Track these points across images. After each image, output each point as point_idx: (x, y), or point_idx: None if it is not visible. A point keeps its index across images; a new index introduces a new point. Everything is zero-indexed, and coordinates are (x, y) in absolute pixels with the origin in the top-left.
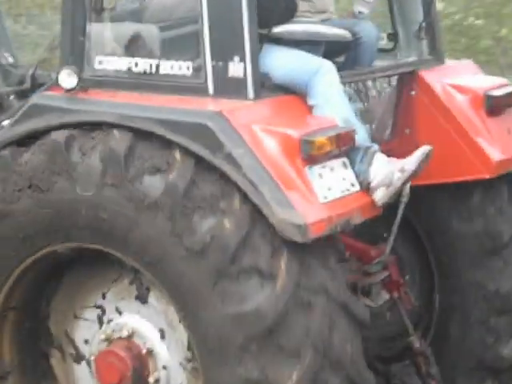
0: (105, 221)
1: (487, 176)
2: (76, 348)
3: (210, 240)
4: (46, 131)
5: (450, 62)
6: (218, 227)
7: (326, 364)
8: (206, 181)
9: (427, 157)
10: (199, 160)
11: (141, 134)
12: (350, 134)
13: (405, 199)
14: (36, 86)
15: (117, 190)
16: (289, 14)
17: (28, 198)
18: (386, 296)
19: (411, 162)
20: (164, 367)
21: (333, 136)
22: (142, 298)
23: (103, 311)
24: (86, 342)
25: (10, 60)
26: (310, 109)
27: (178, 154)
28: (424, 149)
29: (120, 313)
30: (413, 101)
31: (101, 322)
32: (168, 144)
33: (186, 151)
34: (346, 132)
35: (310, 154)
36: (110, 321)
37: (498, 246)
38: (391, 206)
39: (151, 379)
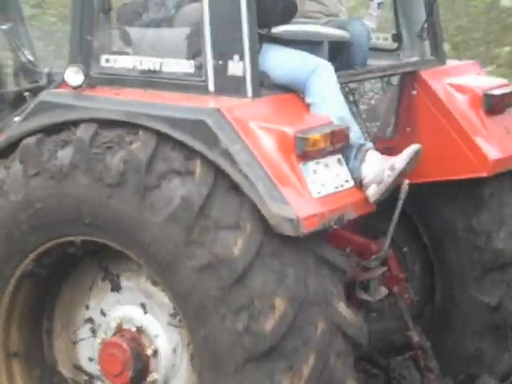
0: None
1: (484, 174)
2: (86, 373)
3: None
4: (53, 127)
5: (452, 63)
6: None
7: None
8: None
9: (416, 155)
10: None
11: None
12: (344, 132)
13: (403, 195)
14: (51, 83)
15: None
16: (288, 15)
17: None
18: (384, 291)
19: (401, 160)
20: (156, 335)
21: (327, 133)
22: (116, 287)
23: (93, 321)
24: (91, 359)
25: (31, 58)
26: (307, 107)
27: (177, 150)
28: (413, 147)
29: (104, 314)
30: (414, 100)
31: (95, 332)
32: (169, 140)
33: (185, 147)
34: (340, 129)
35: (304, 151)
36: (100, 325)
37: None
38: (393, 203)
39: (149, 351)
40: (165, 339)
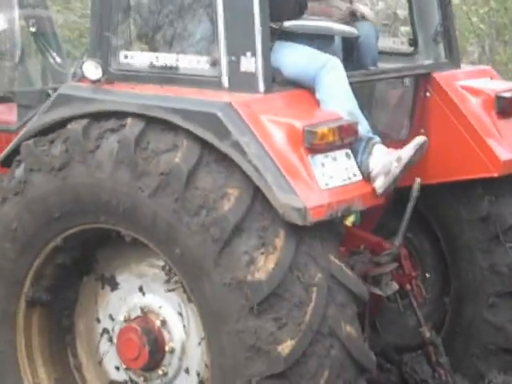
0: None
1: (495, 174)
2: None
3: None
4: (70, 120)
5: (466, 66)
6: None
7: None
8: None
9: (422, 147)
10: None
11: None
12: (353, 127)
13: (415, 194)
14: None
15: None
16: (299, 11)
17: (49, 184)
18: (395, 286)
19: (407, 151)
20: (160, 307)
21: (335, 127)
22: (115, 286)
23: (107, 330)
24: (117, 368)
25: (58, 60)
26: (318, 103)
27: (188, 141)
28: (418, 139)
29: (113, 316)
30: (427, 102)
31: (112, 339)
32: (182, 131)
33: (196, 138)
34: (349, 124)
35: (312, 144)
36: (113, 329)
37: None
38: (406, 202)
39: (158, 323)
40: (168, 307)
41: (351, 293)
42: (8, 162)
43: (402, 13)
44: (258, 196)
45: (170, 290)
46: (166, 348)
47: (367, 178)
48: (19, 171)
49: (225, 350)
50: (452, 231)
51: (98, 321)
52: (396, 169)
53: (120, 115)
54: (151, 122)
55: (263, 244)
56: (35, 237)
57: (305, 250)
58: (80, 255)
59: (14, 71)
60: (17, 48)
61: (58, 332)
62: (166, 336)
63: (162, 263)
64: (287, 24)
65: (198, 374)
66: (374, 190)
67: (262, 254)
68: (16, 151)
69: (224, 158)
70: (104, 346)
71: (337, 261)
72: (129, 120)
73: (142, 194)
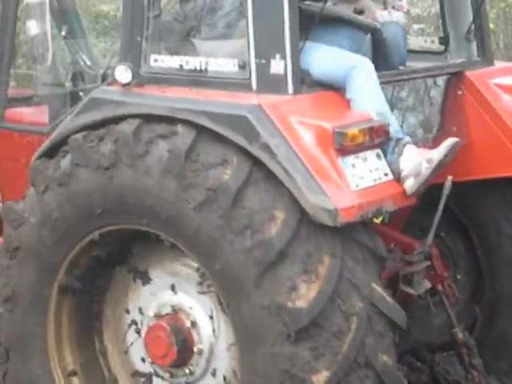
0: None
1: None
2: (143, 374)
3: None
4: (102, 123)
5: (499, 64)
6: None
7: None
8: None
9: (453, 148)
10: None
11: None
12: (384, 128)
13: (446, 192)
14: None
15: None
16: None
17: (94, 181)
18: (427, 284)
19: (438, 152)
20: (191, 308)
21: (365, 128)
22: (147, 281)
23: (135, 322)
24: (143, 359)
25: (88, 62)
26: (347, 103)
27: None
28: (450, 141)
29: (143, 310)
30: (459, 100)
31: (139, 332)
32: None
33: (246, 153)
34: (379, 125)
35: (342, 145)
36: (142, 322)
37: None
38: (437, 201)
39: (188, 323)
40: (199, 309)
41: (391, 321)
42: None
43: (415, 11)
44: (304, 220)
45: (202, 293)
46: (195, 349)
47: (397, 177)
48: (65, 163)
49: (257, 370)
50: (490, 243)
51: (127, 312)
52: (426, 170)
53: (170, 120)
54: (202, 131)
55: (306, 271)
56: (74, 229)
57: (348, 277)
58: (115, 249)
59: (46, 74)
60: (48, 52)
61: (86, 318)
62: (195, 337)
63: (196, 265)
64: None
65: (225, 378)
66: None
67: (305, 281)
68: (47, 153)
69: (272, 176)
70: (131, 336)
71: (379, 289)
72: (180, 128)
73: (187, 206)
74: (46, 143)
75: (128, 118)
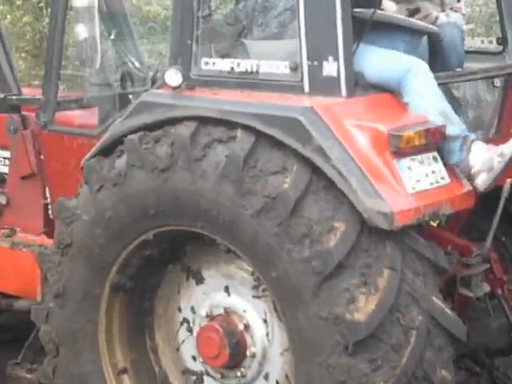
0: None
1: None
2: (194, 372)
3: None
4: (155, 125)
5: None
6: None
7: None
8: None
9: None
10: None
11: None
12: (440, 130)
13: (505, 194)
14: None
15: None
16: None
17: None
18: (486, 287)
19: (509, 147)
20: (244, 311)
21: (421, 131)
22: (200, 280)
23: (187, 320)
24: (194, 358)
25: (136, 65)
26: (402, 106)
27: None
28: None
29: (195, 309)
30: None
31: (191, 330)
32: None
33: (280, 144)
34: (435, 128)
35: (398, 148)
36: (194, 321)
37: None
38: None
39: (241, 327)
40: (253, 312)
41: (450, 335)
42: None
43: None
44: (364, 231)
45: (256, 297)
46: (247, 352)
47: (467, 176)
48: (120, 163)
49: (313, 379)
50: None
51: (179, 310)
52: (499, 164)
53: (227, 124)
54: (260, 136)
55: (365, 283)
56: (127, 229)
57: (407, 290)
58: (169, 248)
59: (95, 77)
60: (97, 55)
61: (137, 315)
62: (248, 340)
63: (251, 269)
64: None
65: (277, 383)
66: (464, 192)
67: (364, 293)
68: (98, 155)
69: (332, 186)
70: (182, 334)
71: (439, 302)
72: (238, 132)
73: (244, 212)
74: (98, 144)
75: (183, 120)
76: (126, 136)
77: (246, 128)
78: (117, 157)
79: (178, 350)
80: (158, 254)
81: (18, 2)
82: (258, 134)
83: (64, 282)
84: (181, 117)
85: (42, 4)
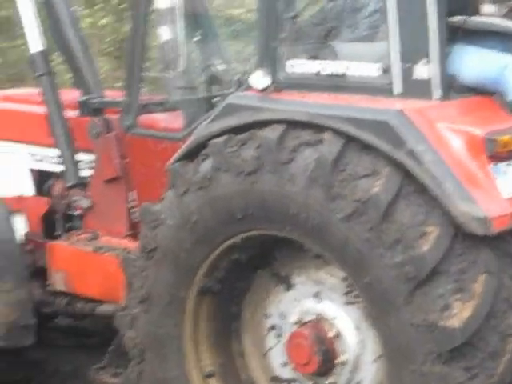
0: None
1: None
2: (284, 380)
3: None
4: (242, 128)
5: None
6: None
7: None
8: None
9: None
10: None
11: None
12: None
13: None
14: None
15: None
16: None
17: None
18: None
19: None
20: (335, 318)
21: None
22: (289, 286)
23: (276, 327)
24: (283, 364)
25: (221, 67)
26: (498, 109)
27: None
28: None
29: (284, 315)
30: None
31: (280, 336)
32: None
33: (369, 147)
34: None
35: (494, 152)
36: (283, 327)
37: None
38: None
39: (332, 334)
40: (344, 319)
41: None
42: None
43: None
44: (458, 236)
45: (348, 303)
46: (338, 359)
47: None
48: (205, 167)
49: None
50: None
51: (267, 315)
52: None
53: (315, 127)
54: (349, 139)
55: (460, 289)
56: (214, 232)
57: (504, 296)
58: (257, 253)
59: (179, 80)
60: (181, 57)
61: (225, 318)
62: (340, 348)
63: (342, 275)
64: (473, 20)
65: None
66: None
67: (459, 300)
68: (184, 158)
69: (424, 190)
70: (270, 340)
71: None
72: (326, 135)
73: (334, 216)
74: (183, 148)
75: (270, 123)
76: (211, 139)
77: (335, 131)
78: (202, 160)
79: (265, 356)
80: (246, 258)
81: (99, 5)
82: (347, 137)
83: (149, 286)
84: (268, 120)
85: (123, 5)
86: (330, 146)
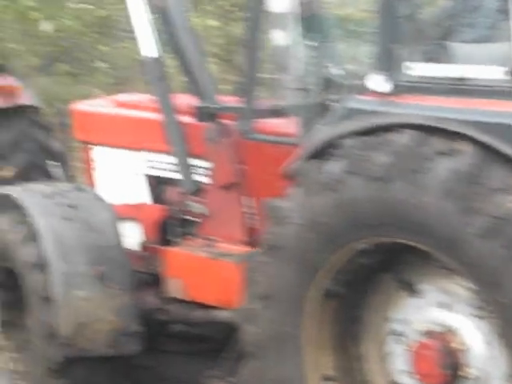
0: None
1: None
2: None
3: None
4: (362, 132)
5: None
6: None
7: None
8: None
9: None
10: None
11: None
12: None
13: None
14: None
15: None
16: None
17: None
18: None
19: None
20: (464, 330)
21: None
22: (414, 293)
23: (396, 332)
24: (402, 371)
25: (336, 71)
26: None
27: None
28: None
29: (407, 322)
30: None
31: (400, 342)
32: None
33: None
34: None
35: None
36: (404, 334)
37: None
38: None
39: (461, 347)
40: (474, 332)
41: None
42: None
43: None
44: None
45: (479, 317)
46: (466, 374)
47: None
48: (333, 169)
49: None
50: None
51: (388, 319)
52: None
53: (449, 135)
54: (487, 150)
55: None
56: (343, 236)
57: None
58: (384, 258)
59: (294, 84)
60: (296, 61)
61: (346, 321)
62: (468, 362)
63: (473, 287)
64: None
65: None
66: None
67: None
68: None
69: None
70: (390, 345)
71: None
72: (462, 145)
73: (468, 230)
74: (304, 151)
75: (395, 127)
76: (333, 142)
77: (472, 140)
78: (329, 162)
79: (383, 359)
80: (372, 263)
81: (208, 8)
82: (485, 147)
83: (270, 283)
84: (392, 124)
85: (231, 8)
86: (468, 157)
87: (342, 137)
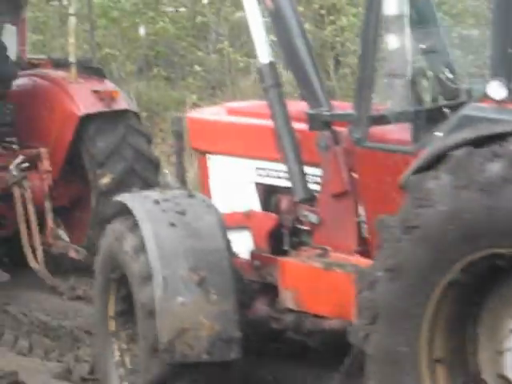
0: None
1: None
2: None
3: None
4: (478, 141)
5: None
6: None
7: None
8: None
9: None
10: None
11: None
12: None
13: None
14: (472, 98)
15: None
16: None
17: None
18: None
19: None
20: None
21: None
22: None
23: None
24: None
25: (449, 76)
26: None
27: None
28: None
29: None
30: None
31: None
32: None
33: None
34: None
35: None
36: None
37: None
38: None
39: None
40: None
41: None
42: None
43: None
44: None
45: None
46: None
47: None
48: (446, 180)
49: None
50: None
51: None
52: None
53: None
54: None
55: None
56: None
57: None
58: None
59: (407, 90)
60: (408, 66)
61: (466, 304)
62: None
63: None
64: None
65: None
66: None
67: None
68: (420, 172)
69: None
70: (510, 343)
71: None
72: None
73: None
74: (418, 161)
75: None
76: (449, 152)
77: None
78: (441, 174)
79: (500, 353)
80: (504, 263)
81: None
82: None
83: (400, 258)
84: (508, 132)
85: (323, 11)
86: None
87: (456, 147)
